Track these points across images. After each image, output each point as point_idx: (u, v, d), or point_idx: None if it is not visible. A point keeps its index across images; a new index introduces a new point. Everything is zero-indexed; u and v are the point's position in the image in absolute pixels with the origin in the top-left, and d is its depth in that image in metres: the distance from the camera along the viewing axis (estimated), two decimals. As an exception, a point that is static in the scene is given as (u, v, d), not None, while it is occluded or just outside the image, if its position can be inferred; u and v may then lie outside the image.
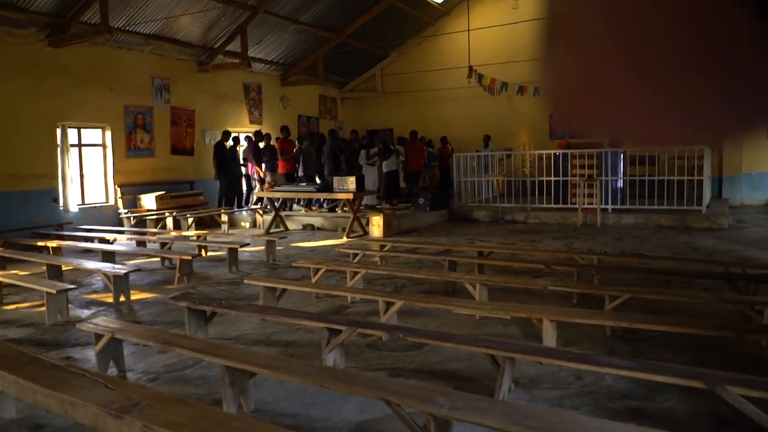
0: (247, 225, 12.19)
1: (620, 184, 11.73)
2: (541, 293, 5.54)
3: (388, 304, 4.45)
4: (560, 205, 11.72)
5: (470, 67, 13.13)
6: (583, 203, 11.17)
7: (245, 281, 5.53)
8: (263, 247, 8.23)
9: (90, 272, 6.95)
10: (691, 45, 0.32)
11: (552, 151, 12.27)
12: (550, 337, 3.77)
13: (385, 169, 12.79)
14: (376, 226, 10.11)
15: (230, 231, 11.26)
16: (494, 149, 14.78)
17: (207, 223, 11.87)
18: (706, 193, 11.18)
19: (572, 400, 3.25)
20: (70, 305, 5.45)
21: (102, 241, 8.92)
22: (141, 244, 8.98)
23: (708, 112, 0.33)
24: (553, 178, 11.85)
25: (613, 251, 7.92)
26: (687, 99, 0.33)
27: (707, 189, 11.44)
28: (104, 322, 4.05)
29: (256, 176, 12.93)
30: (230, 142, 12.75)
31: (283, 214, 11.47)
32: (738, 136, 0.35)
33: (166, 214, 11.09)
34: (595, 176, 11.28)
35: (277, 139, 12.85)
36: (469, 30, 13.44)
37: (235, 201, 12.90)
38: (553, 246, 8.72)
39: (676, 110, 0.34)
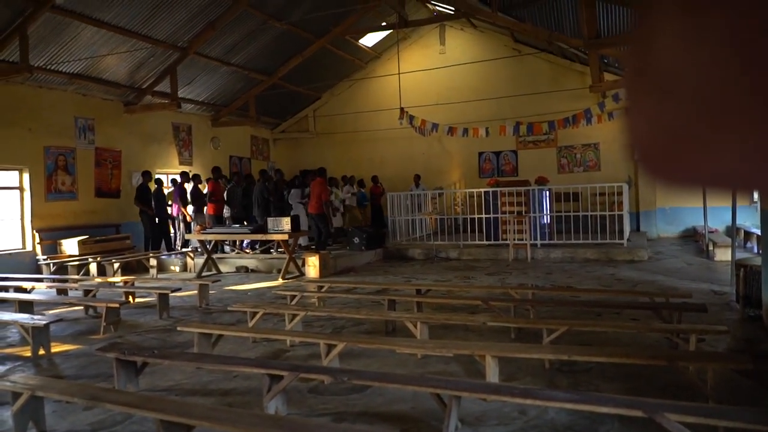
0: (177, 269, 11.75)
1: (547, 220, 12.19)
2: (480, 329, 5.61)
3: (330, 347, 4.37)
4: (492, 242, 12.04)
5: (401, 109, 13.41)
6: (514, 239, 11.52)
7: (178, 328, 5.29)
8: (195, 292, 7.94)
9: (5, 324, 6.46)
10: None
11: (482, 189, 12.64)
12: (492, 373, 3.80)
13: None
14: (313, 266, 9.99)
15: (159, 276, 10.80)
16: (425, 188, 15.08)
17: (134, 268, 11.36)
18: (626, 227, 11.81)
19: (518, 435, 3.27)
20: (-18, 361, 5.03)
21: (18, 290, 8.32)
22: (62, 292, 8.44)
23: None
24: (484, 216, 12.17)
25: (545, 285, 8.16)
26: None
27: (627, 223, 12.08)
28: (22, 378, 3.76)
29: (181, 218, 12.60)
30: (156, 184, 12.44)
31: (215, 256, 11.15)
32: None
33: (90, 259, 10.53)
34: (524, 213, 11.69)
35: (208, 179, 12.58)
36: (399, 73, 13.79)
37: (163, 244, 12.45)
38: (487, 282, 8.88)
39: None
